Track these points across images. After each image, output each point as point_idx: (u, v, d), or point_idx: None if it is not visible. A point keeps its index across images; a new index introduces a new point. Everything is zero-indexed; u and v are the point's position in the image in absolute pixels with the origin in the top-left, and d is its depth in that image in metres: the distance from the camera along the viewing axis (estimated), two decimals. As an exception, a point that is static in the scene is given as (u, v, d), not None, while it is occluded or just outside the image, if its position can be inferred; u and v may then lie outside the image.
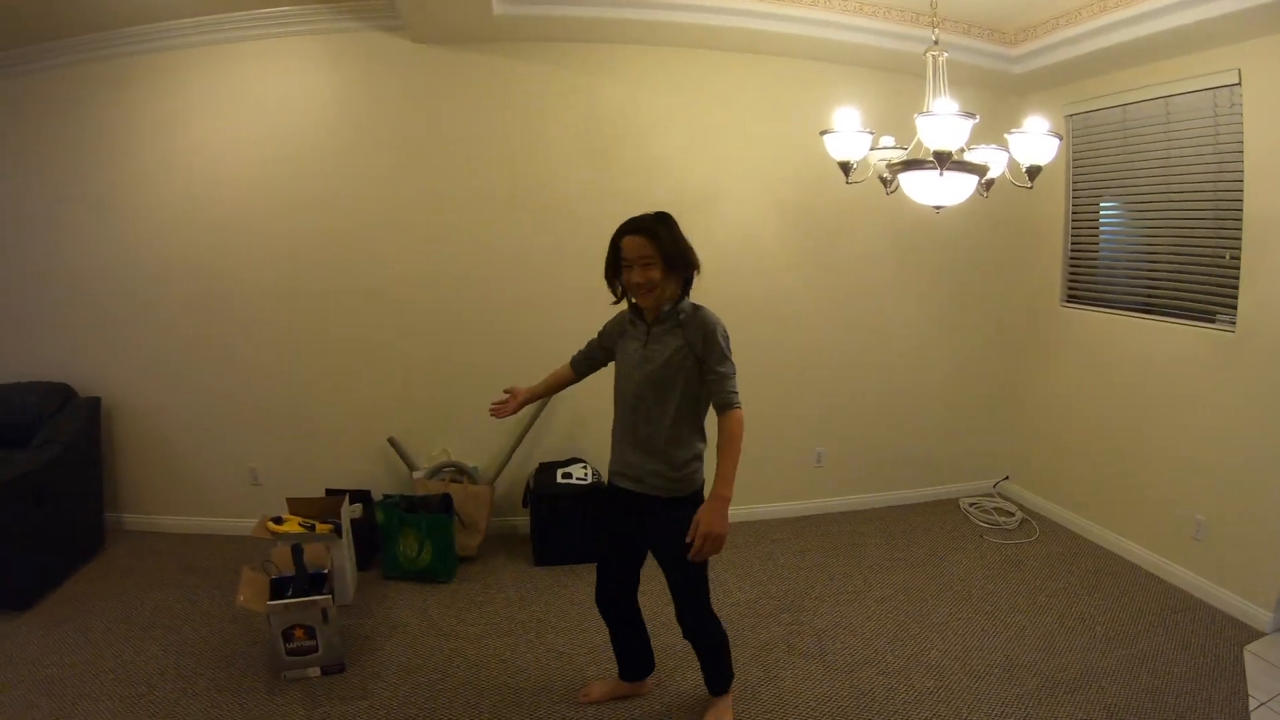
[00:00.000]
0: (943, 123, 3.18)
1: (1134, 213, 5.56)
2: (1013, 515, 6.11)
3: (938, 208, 3.65)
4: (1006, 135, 3.54)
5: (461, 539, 5.34)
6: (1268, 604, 4.67)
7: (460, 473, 5.63)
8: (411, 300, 5.60)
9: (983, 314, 6.35)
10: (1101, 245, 5.83)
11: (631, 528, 3.56)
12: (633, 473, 3.43)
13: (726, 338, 3.30)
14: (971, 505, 6.29)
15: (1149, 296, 5.42)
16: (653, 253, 3.25)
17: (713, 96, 5.57)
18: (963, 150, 3.48)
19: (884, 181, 3.93)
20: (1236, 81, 4.66)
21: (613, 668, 4.08)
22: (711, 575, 4.93)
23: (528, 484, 5.58)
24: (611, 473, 3.58)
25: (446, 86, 5.35)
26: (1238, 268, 4.76)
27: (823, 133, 3.82)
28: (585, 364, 3.78)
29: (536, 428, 5.68)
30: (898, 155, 3.82)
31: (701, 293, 5.52)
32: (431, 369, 5.71)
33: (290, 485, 5.41)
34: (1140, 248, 5.51)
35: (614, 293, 3.47)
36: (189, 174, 5.45)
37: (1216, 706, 3.92)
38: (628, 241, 3.30)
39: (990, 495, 6.54)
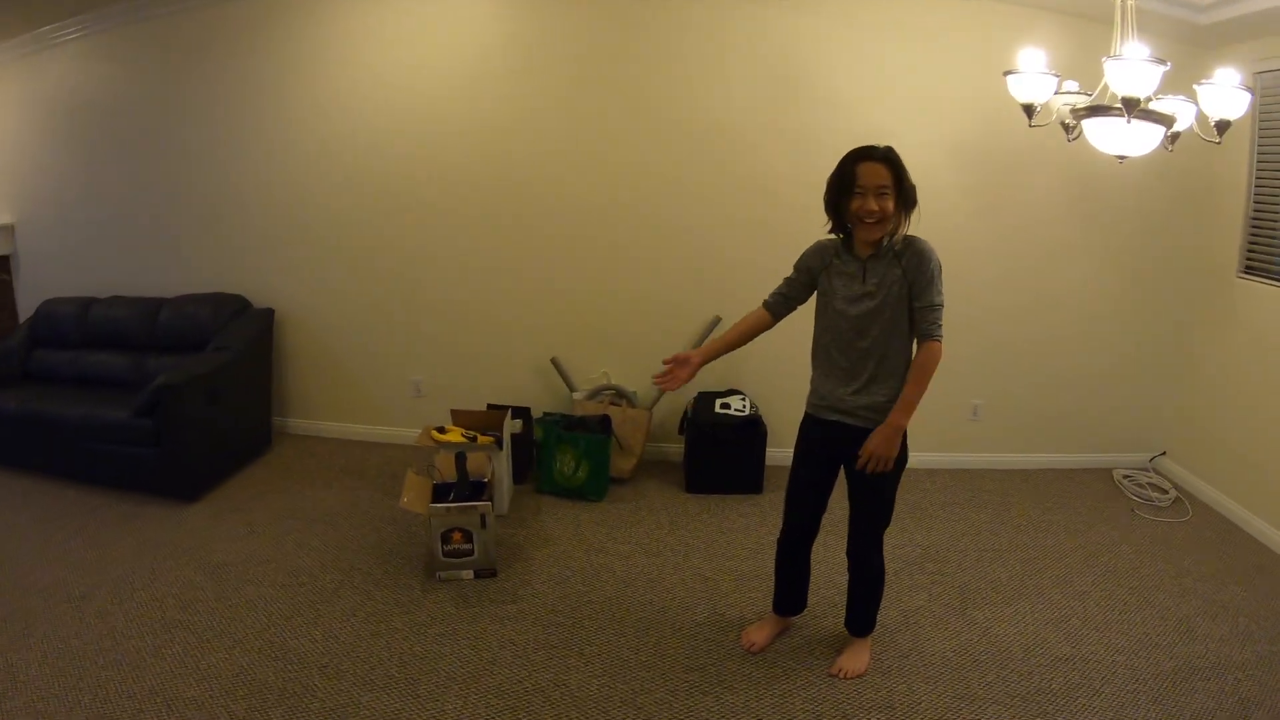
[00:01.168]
0: (1132, 67, 3.10)
1: None
2: (1166, 493, 5.89)
3: (1121, 158, 3.56)
4: (1195, 86, 3.43)
5: (616, 461, 5.44)
6: None
7: (619, 396, 5.72)
8: (579, 224, 5.68)
9: (1152, 278, 6.03)
10: None
11: (830, 461, 3.58)
12: (843, 406, 3.41)
13: (940, 269, 3.25)
14: (1125, 477, 6.09)
15: None
16: (890, 183, 3.13)
17: (888, 33, 5.43)
18: (1149, 99, 3.38)
19: (1066, 127, 3.84)
20: None
21: (756, 597, 4.19)
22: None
23: (685, 412, 5.63)
24: (814, 406, 3.56)
25: (622, 13, 5.37)
26: None
27: (1007, 73, 3.74)
28: (784, 305, 3.59)
29: (697, 356, 5.72)
30: (1082, 100, 3.72)
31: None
32: (596, 292, 5.80)
33: (451, 399, 5.58)
34: None
35: (834, 219, 3.33)
36: (359, 101, 5.65)
37: None
38: (867, 168, 3.14)
39: (1145, 469, 6.32)
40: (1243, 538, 5.34)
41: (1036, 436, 6.19)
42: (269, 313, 5.93)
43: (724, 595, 4.29)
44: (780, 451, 5.42)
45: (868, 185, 3.12)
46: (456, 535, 4.19)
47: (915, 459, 5.82)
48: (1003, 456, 6.19)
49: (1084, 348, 6.04)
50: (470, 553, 4.23)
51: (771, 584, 3.95)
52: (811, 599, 4.03)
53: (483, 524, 4.19)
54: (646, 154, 5.55)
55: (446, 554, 4.22)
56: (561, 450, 5.24)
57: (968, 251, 5.49)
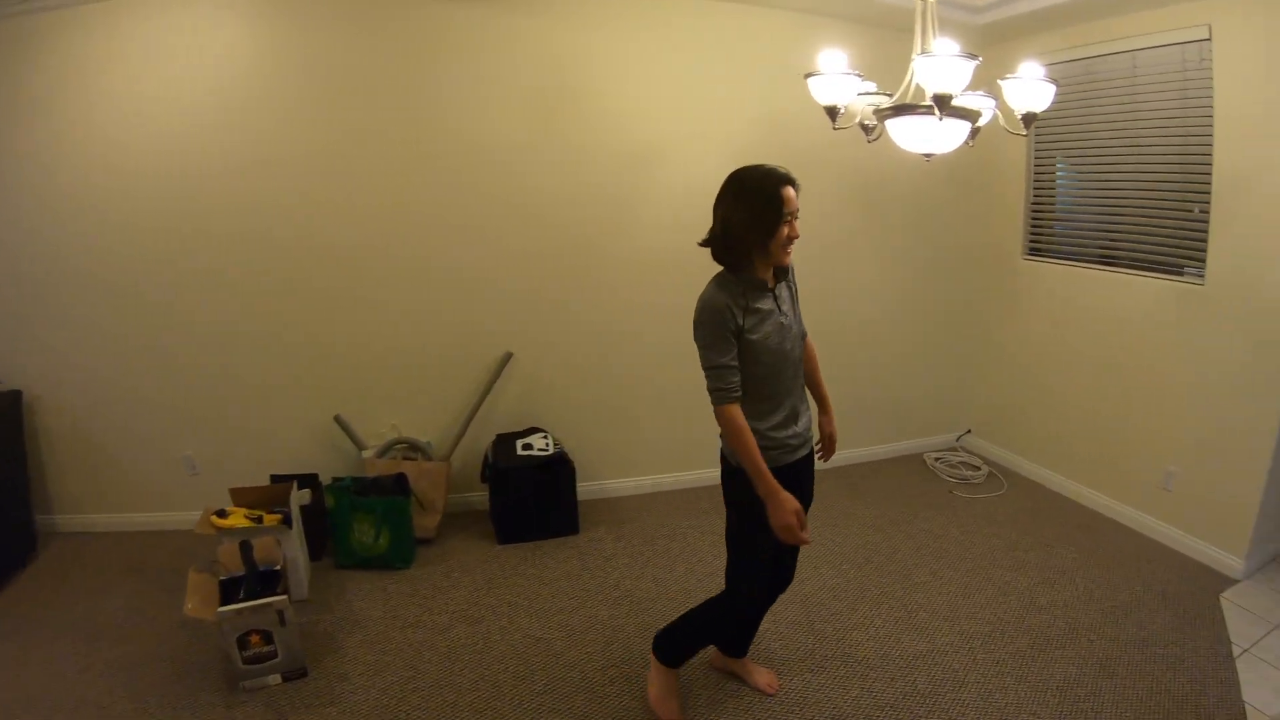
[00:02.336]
0: (944, 64, 2.99)
1: (1098, 166, 5.56)
2: (979, 469, 6.14)
3: (928, 156, 3.52)
4: (1000, 81, 3.39)
5: (418, 520, 5.09)
6: (1239, 551, 4.78)
7: (413, 449, 5.36)
8: (349, 267, 5.24)
9: (943, 267, 6.35)
10: (1062, 198, 5.89)
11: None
12: (801, 439, 3.26)
13: None
14: (937, 460, 6.33)
15: (1111, 249, 5.49)
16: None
17: (667, 44, 5.36)
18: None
19: (866, 129, 3.78)
20: (1207, 37, 4.66)
21: (593, 652, 4.06)
22: (686, 546, 4.82)
23: (485, 457, 5.36)
24: (774, 457, 3.14)
25: (378, 33, 4.97)
26: (1207, 221, 4.81)
27: (808, 75, 3.63)
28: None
29: (491, 396, 5.46)
30: (885, 101, 3.65)
31: (657, 248, 5.36)
32: (375, 339, 5.37)
33: (231, 472, 5.12)
34: (1104, 201, 5.53)
35: (741, 253, 3.05)
36: (101, 143, 4.94)
37: (1203, 655, 4.01)
38: (790, 192, 2.99)
39: (953, 449, 6.55)
40: (1060, 501, 5.69)
41: (845, 431, 6.18)
42: (15, 395, 5.22)
43: (559, 655, 4.04)
44: (591, 486, 5.30)
45: (794, 210, 3.02)
46: (255, 638, 3.75)
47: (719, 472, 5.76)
48: (813, 455, 6.16)
49: (883, 339, 6.25)
50: (274, 654, 3.80)
51: (604, 633, 4.01)
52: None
53: (281, 621, 3.77)
54: (416, 186, 5.19)
55: (247, 660, 3.77)
56: (358, 518, 4.83)
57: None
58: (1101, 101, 5.38)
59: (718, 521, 5.26)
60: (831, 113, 3.66)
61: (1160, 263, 5.15)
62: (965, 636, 4.15)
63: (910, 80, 3.42)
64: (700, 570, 4.80)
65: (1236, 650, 4.07)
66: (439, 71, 5.08)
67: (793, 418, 3.21)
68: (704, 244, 3.13)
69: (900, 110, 3.40)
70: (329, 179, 5.10)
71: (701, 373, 3.06)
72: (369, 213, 5.18)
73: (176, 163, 4.98)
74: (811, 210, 5.59)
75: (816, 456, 3.46)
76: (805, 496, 3.33)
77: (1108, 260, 5.51)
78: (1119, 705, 3.65)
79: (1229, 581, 4.73)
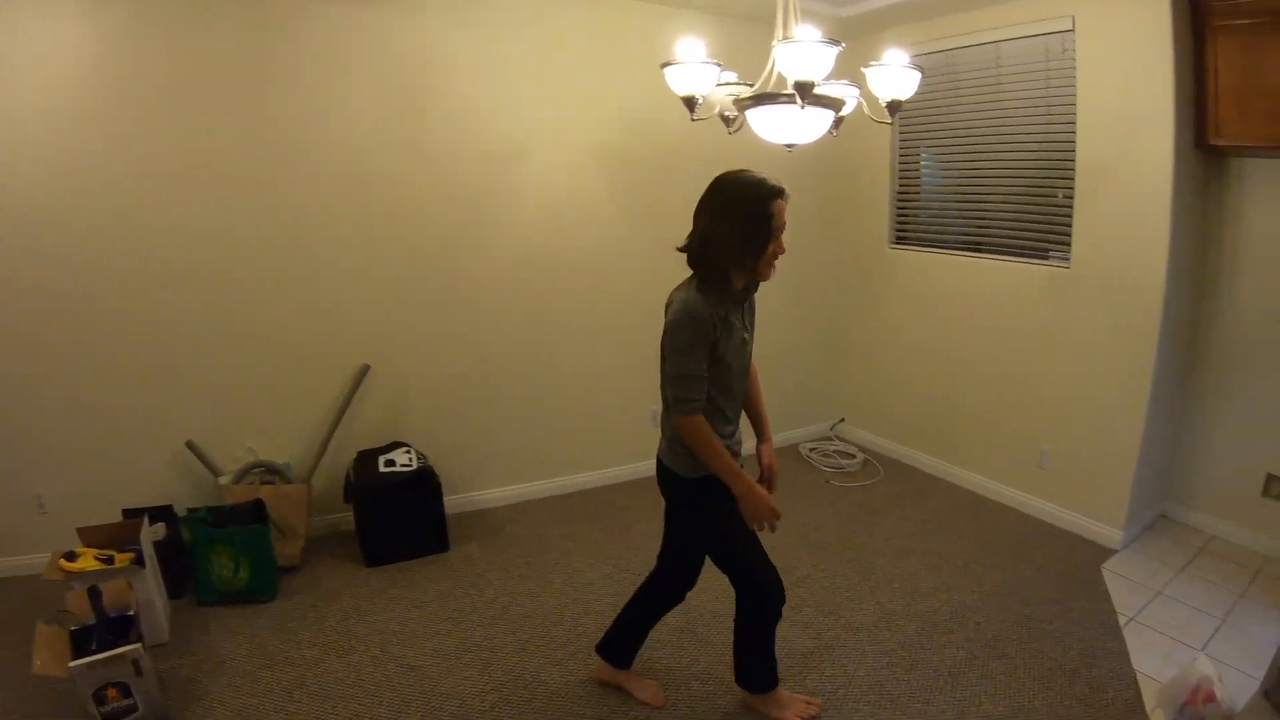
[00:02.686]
0: (805, 50, 2.90)
1: (963, 155, 5.66)
2: (854, 457, 6.21)
3: (790, 146, 3.44)
4: (864, 69, 3.33)
5: (280, 547, 4.81)
6: (1116, 523, 4.92)
7: (271, 472, 5.06)
8: (192, 278, 4.86)
9: (811, 257, 6.43)
10: (928, 187, 6.02)
11: None
12: (736, 450, 3.20)
13: None
14: (812, 450, 6.35)
15: (979, 236, 5.60)
16: None
17: (528, 38, 5.25)
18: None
19: (726, 120, 3.71)
20: (1070, 28, 4.78)
21: (471, 675, 3.86)
22: (561, 555, 4.67)
23: (348, 475, 5.11)
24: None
25: (218, 26, 4.61)
26: (1071, 206, 4.95)
27: (664, 65, 3.50)
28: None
29: (350, 411, 5.23)
30: (745, 90, 3.56)
31: (519, 247, 5.23)
32: (223, 356, 5.01)
33: (83, 508, 4.71)
34: (970, 189, 5.65)
35: (716, 267, 2.99)
36: None
37: (1089, 627, 4.13)
38: (781, 206, 2.91)
39: (828, 439, 6.57)
40: (935, 484, 5.80)
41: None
42: None
43: (435, 683, 3.83)
44: (460, 499, 5.18)
45: (783, 224, 2.94)
46: (111, 691, 3.47)
47: (602, 475, 5.71)
48: (690, 454, 6.14)
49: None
50: (134, 708, 3.52)
51: (481, 655, 3.94)
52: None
53: (137, 671, 3.50)
54: (256, 190, 4.86)
55: (106, 716, 3.48)
56: (215, 550, 4.51)
57: (622, 256, 5.42)
58: (966, 92, 5.49)
59: (592, 529, 5.26)
60: (689, 103, 3.55)
61: (1026, 248, 5.29)
62: (852, 629, 4.14)
63: (771, 68, 3.33)
64: (577, 581, 4.69)
65: (1122, 620, 4.18)
66: (288, 68, 4.80)
67: (734, 436, 3.21)
68: (682, 250, 3.04)
69: (761, 99, 3.32)
70: (168, 189, 4.73)
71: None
72: (210, 223, 4.84)
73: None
74: (676, 204, 5.52)
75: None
76: None
77: (975, 247, 5.62)
78: (1012, 684, 3.68)
79: (1108, 553, 4.85)
